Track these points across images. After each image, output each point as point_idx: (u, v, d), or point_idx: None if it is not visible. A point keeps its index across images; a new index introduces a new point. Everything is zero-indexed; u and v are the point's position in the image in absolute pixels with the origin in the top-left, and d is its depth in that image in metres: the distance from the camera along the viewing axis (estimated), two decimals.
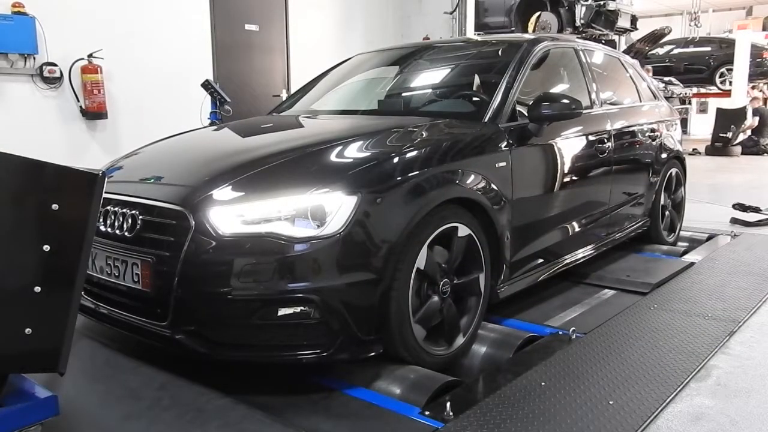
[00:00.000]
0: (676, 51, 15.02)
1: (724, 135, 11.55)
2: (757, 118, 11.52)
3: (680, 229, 4.60)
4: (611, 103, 3.86)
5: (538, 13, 9.78)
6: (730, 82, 13.41)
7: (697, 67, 14.50)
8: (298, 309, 2.02)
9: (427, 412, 1.98)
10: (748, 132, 11.63)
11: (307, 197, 2.08)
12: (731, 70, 13.24)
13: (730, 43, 13.68)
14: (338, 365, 2.26)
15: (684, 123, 14.70)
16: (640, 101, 4.25)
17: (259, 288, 2.01)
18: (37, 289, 1.58)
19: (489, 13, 10.29)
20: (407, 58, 3.80)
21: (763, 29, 17.99)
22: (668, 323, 2.80)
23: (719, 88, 14.42)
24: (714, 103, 15.22)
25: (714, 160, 10.84)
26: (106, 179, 1.65)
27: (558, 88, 3.57)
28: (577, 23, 9.45)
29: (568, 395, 2.11)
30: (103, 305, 2.33)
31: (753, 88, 12.33)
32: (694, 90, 15.07)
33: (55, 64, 5.72)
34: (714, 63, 14.34)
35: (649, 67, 12.85)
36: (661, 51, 14.99)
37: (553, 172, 3.07)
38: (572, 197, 3.24)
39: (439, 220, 2.33)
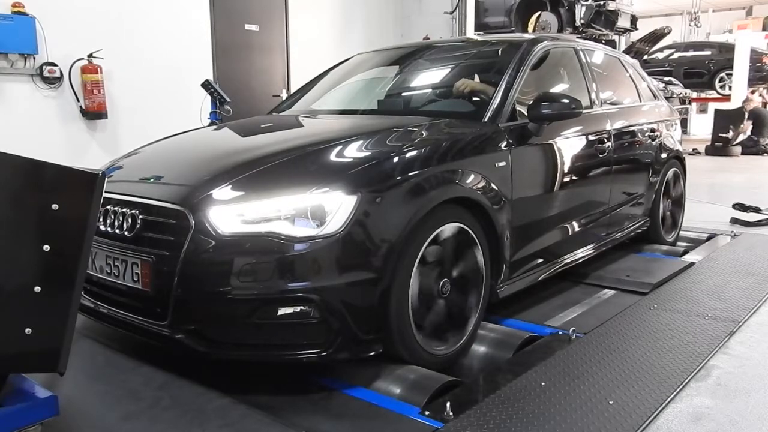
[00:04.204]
0: (675, 55, 15.03)
1: (724, 135, 11.55)
2: (750, 122, 11.49)
3: (680, 229, 4.60)
4: (611, 103, 3.85)
5: (538, 13, 9.78)
6: (730, 87, 13.42)
7: (697, 71, 14.51)
8: (298, 308, 2.02)
9: (427, 412, 1.98)
10: (748, 132, 11.62)
11: (306, 197, 2.08)
12: (731, 74, 13.25)
13: (729, 48, 13.71)
14: (338, 365, 2.26)
15: (684, 123, 14.70)
16: (640, 101, 4.25)
17: (258, 287, 2.01)
18: (37, 289, 1.58)
19: (489, 13, 10.30)
20: (407, 58, 3.80)
21: (763, 29, 18.00)
22: (668, 323, 2.80)
23: (719, 93, 14.43)
24: (714, 104, 15.23)
25: (714, 160, 10.84)
26: (106, 179, 1.65)
27: (558, 88, 3.57)
28: (577, 23, 9.46)
29: (568, 395, 2.11)
30: (102, 305, 2.33)
31: (753, 92, 12.32)
32: (694, 95, 15.08)
33: (55, 64, 5.72)
34: (714, 68, 14.36)
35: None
36: (661, 55, 15.01)
37: (553, 172, 3.07)
38: (572, 197, 3.24)
39: (438, 219, 2.33)
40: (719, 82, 14.36)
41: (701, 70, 14.53)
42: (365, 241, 2.10)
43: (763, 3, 19.12)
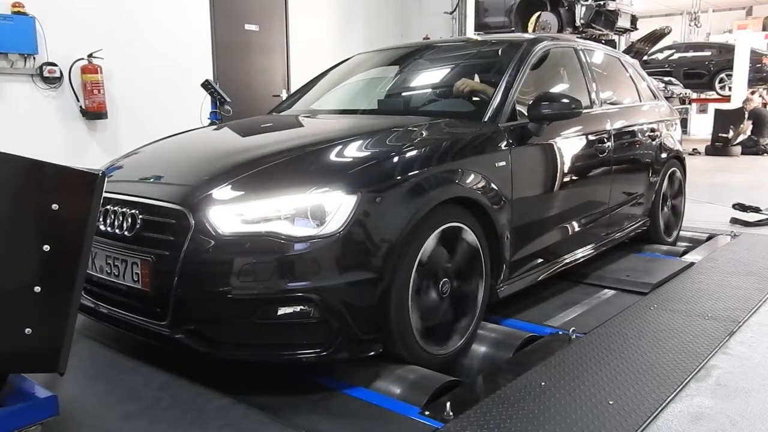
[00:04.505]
0: (675, 56, 15.05)
1: (724, 135, 11.54)
2: (750, 122, 11.49)
3: (680, 229, 4.60)
4: (611, 103, 3.85)
5: (538, 13, 9.79)
6: (730, 88, 13.42)
7: (697, 71, 14.53)
8: (298, 308, 2.02)
9: (427, 412, 1.98)
10: (748, 132, 11.61)
11: (306, 197, 2.08)
12: (731, 75, 13.26)
13: (729, 49, 13.74)
14: (338, 365, 2.26)
15: (684, 123, 14.72)
16: (640, 101, 4.25)
17: (258, 287, 2.01)
18: (37, 289, 1.58)
19: (489, 13, 10.30)
20: (407, 58, 3.80)
21: (763, 29, 18.02)
22: (668, 323, 2.80)
23: (719, 94, 14.44)
24: (714, 104, 15.26)
25: (714, 160, 10.83)
26: (106, 179, 1.65)
27: (558, 88, 3.57)
28: (577, 23, 9.46)
29: (568, 395, 2.11)
30: (102, 305, 2.33)
31: (753, 93, 12.32)
32: (694, 95, 15.09)
33: (55, 64, 5.72)
34: (714, 69, 14.38)
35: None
36: (660, 56, 15.03)
37: (553, 172, 3.07)
38: (572, 197, 3.24)
39: (438, 219, 2.33)
40: (719, 83, 14.38)
41: (701, 71, 14.55)
42: (365, 240, 2.10)
43: (763, 3, 19.12)
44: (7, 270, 1.58)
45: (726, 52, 14.09)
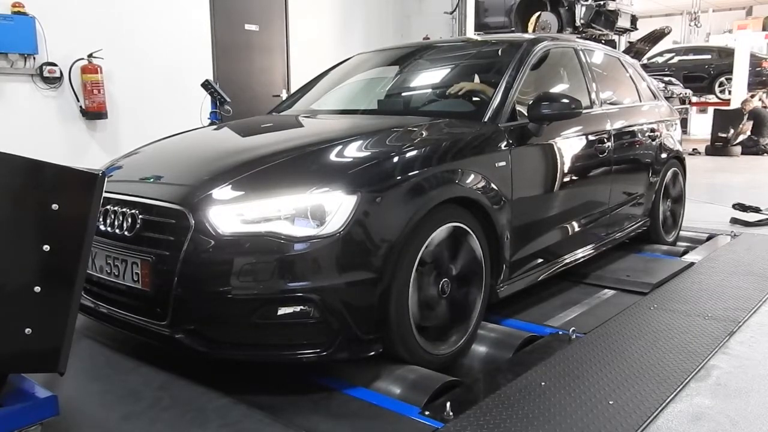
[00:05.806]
0: (675, 59, 15.07)
1: (724, 135, 11.54)
2: (750, 122, 11.48)
3: (680, 229, 4.60)
4: (611, 103, 3.85)
5: (538, 13, 9.78)
6: (730, 92, 13.44)
7: (697, 75, 14.55)
8: (298, 308, 2.02)
9: (427, 412, 1.98)
10: (748, 132, 11.61)
11: (306, 197, 2.09)
12: (731, 79, 13.28)
13: (729, 53, 13.76)
14: (338, 365, 2.26)
15: (684, 123, 14.72)
16: (640, 101, 4.25)
17: (258, 287, 2.01)
18: (37, 289, 1.58)
19: (489, 13, 10.30)
20: (407, 58, 3.80)
21: (763, 29, 18.01)
22: (668, 323, 2.80)
23: (718, 98, 14.46)
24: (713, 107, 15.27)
25: (714, 160, 10.83)
26: (106, 179, 1.65)
27: (558, 88, 3.57)
28: (577, 23, 9.46)
29: (568, 395, 2.11)
30: (102, 305, 2.33)
31: (752, 96, 12.33)
32: (694, 99, 15.12)
33: (55, 64, 5.72)
34: (714, 72, 14.39)
35: None
36: (660, 59, 15.04)
37: (553, 172, 3.07)
38: (572, 197, 3.24)
39: (438, 219, 2.33)
40: (719, 86, 14.40)
41: (701, 74, 14.57)
42: (365, 240, 2.10)
43: (763, 3, 19.12)
44: (7, 270, 1.58)
45: (726, 55, 14.10)
